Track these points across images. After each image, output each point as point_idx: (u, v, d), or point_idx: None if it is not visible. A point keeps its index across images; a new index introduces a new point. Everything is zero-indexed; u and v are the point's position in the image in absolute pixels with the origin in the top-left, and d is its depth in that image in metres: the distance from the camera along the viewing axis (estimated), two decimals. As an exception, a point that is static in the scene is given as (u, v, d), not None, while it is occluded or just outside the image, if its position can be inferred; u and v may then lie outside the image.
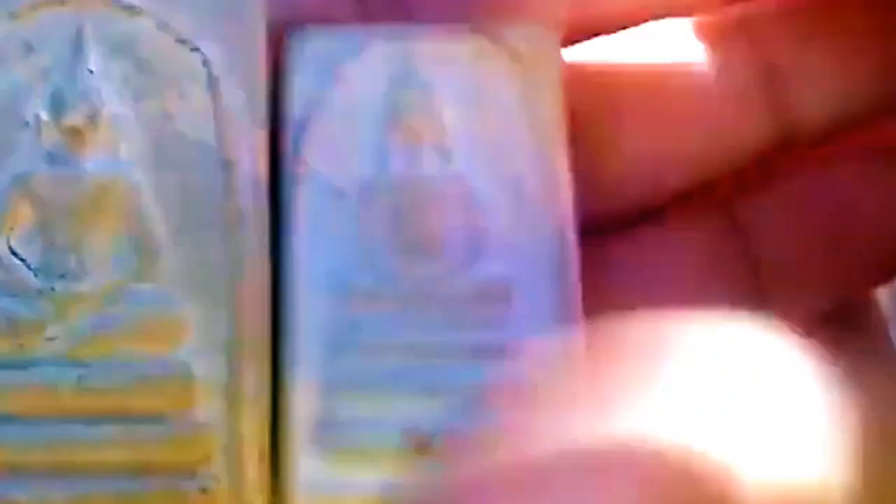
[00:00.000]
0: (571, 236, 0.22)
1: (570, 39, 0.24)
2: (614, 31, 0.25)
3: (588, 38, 0.24)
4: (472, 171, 0.22)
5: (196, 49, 0.21)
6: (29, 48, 0.21)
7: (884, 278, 0.26)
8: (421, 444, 0.21)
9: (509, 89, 0.22)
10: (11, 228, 0.21)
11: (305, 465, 0.21)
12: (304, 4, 0.23)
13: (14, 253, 0.21)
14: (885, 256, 0.25)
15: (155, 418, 0.20)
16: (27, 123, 0.21)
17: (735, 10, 0.25)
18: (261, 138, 0.21)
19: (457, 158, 0.22)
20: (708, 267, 0.24)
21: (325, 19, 0.23)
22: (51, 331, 0.20)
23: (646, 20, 0.25)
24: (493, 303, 0.21)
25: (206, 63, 0.21)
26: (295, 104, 0.22)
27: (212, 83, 0.21)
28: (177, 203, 0.21)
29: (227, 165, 0.21)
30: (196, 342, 0.21)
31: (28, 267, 0.21)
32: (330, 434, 0.21)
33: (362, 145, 0.22)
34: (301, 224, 0.21)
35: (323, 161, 0.22)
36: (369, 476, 0.21)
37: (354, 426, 0.21)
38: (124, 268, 0.21)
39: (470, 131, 0.22)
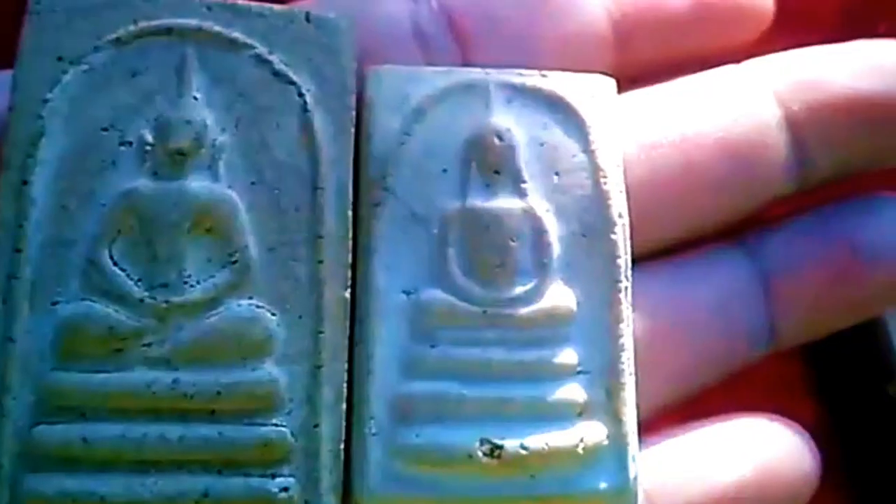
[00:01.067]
0: (624, 267, 0.24)
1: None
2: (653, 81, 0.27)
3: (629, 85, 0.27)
4: (541, 206, 0.24)
5: (292, 82, 0.23)
6: (134, 72, 0.23)
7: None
8: (493, 451, 0.22)
9: (573, 135, 0.24)
10: (114, 241, 0.22)
11: (376, 463, 0.22)
12: (372, 45, 0.25)
13: (116, 264, 0.22)
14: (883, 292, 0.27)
15: (240, 422, 0.22)
16: (130, 143, 0.23)
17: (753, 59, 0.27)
18: (347, 168, 0.23)
19: (530, 194, 0.24)
20: (729, 295, 0.26)
21: (390, 60, 0.25)
22: (148, 338, 0.22)
23: (682, 70, 0.27)
24: (558, 325, 0.23)
25: (300, 95, 0.23)
26: (379, 135, 0.24)
27: (305, 114, 0.23)
28: (269, 223, 0.23)
29: (315, 189, 0.23)
30: (281, 353, 0.22)
31: (129, 277, 0.22)
32: (403, 435, 0.22)
33: (443, 175, 0.24)
34: (381, 244, 0.23)
35: (404, 188, 0.23)
36: (439, 477, 0.22)
37: (428, 429, 0.22)
38: (219, 281, 0.22)
39: (540, 170, 0.24)
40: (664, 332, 0.26)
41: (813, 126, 0.26)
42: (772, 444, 0.26)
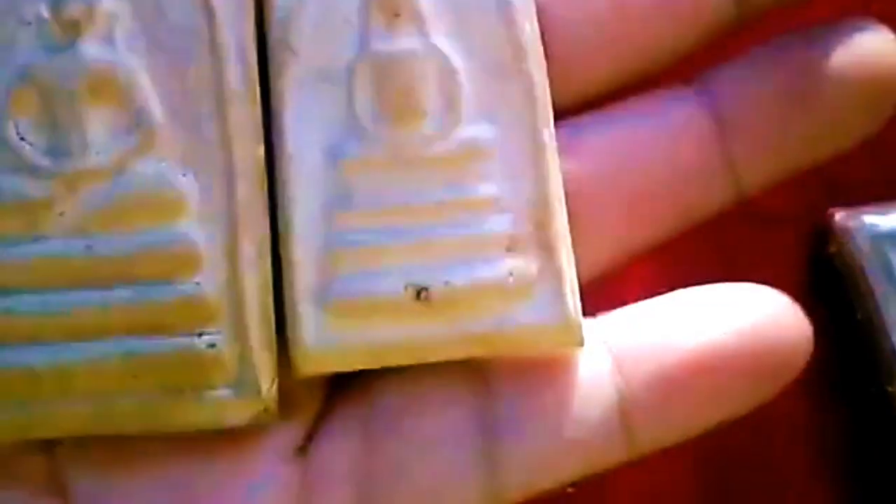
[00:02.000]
0: (543, 99, 0.23)
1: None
2: None
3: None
4: (447, 44, 0.23)
5: (182, -60, 0.23)
6: (28, -48, 0.23)
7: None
8: (420, 293, 0.22)
9: None
10: (17, 116, 0.22)
11: (308, 321, 0.22)
12: None
13: (22, 138, 0.22)
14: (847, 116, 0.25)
15: (161, 283, 0.22)
16: (29, 23, 0.23)
17: None
18: (248, 24, 0.23)
19: (433, 33, 0.23)
20: (678, 133, 0.25)
21: None
22: (59, 207, 0.22)
23: None
24: (475, 161, 0.23)
25: (191, -43, 0.23)
26: None
27: (199, -26, 0.23)
28: (171, 85, 0.23)
29: (215, 48, 0.23)
30: (196, 212, 0.22)
31: (35, 150, 0.22)
32: (330, 290, 0.22)
33: (344, 27, 0.23)
34: (290, 106, 0.23)
35: (308, 45, 0.23)
36: (371, 327, 0.22)
37: (354, 280, 0.22)
38: (125, 146, 0.22)
39: (444, 8, 0.23)
40: (605, 180, 0.25)
41: None
42: (756, 308, 0.24)
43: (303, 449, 0.23)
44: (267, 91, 0.23)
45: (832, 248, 0.31)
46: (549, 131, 0.23)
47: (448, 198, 0.23)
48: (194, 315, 0.22)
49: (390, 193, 0.23)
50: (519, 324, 0.22)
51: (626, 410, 0.23)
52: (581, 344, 0.22)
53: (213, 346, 0.22)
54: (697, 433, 0.24)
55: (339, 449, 0.23)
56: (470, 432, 0.23)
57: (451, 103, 0.23)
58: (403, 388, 0.23)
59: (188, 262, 0.22)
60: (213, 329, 0.22)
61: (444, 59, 0.23)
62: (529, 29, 0.24)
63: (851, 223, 0.31)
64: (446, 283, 0.22)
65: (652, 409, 0.23)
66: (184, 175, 0.22)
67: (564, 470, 0.23)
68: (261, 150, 0.23)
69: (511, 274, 0.22)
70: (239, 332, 0.22)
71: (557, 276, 0.22)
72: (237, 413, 0.22)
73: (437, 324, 0.22)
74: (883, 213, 0.31)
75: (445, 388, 0.23)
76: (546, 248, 0.23)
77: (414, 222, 0.22)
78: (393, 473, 0.23)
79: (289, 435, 0.23)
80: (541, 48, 0.24)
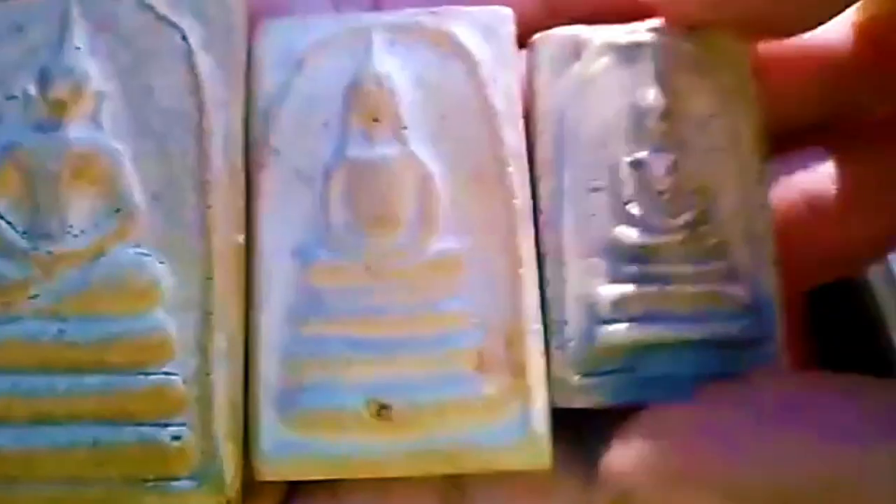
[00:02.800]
0: (524, 211, 0.23)
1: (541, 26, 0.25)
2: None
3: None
4: (425, 152, 0.23)
5: (175, 26, 0.23)
6: (19, 28, 0.23)
7: None
8: (381, 410, 0.22)
9: (462, 75, 0.23)
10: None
11: (269, 427, 0.22)
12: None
13: (1, 217, 0.22)
14: None
15: (130, 372, 0.22)
16: (16, 98, 0.22)
17: None
18: (236, 112, 0.23)
19: (412, 139, 0.23)
20: None
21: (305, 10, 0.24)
22: (34, 289, 0.22)
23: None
24: (448, 274, 0.22)
25: (184, 38, 0.23)
26: (262, 91, 0.23)
27: (190, 57, 0.23)
28: (155, 169, 0.22)
29: (202, 135, 0.22)
30: (171, 301, 0.22)
31: (14, 230, 0.22)
32: (293, 399, 0.22)
33: (323, 130, 0.23)
34: (266, 204, 0.23)
35: (287, 145, 0.23)
36: (330, 439, 0.22)
37: (316, 392, 0.22)
38: (104, 230, 0.22)
39: (425, 116, 0.23)
40: None
41: None
42: None
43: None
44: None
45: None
46: (527, 245, 0.23)
47: (417, 312, 0.22)
48: (161, 405, 0.22)
49: (359, 303, 0.22)
50: (483, 443, 0.22)
51: None
52: (548, 464, 0.22)
53: (177, 437, 0.21)
54: None
55: None
56: None
57: (426, 213, 0.22)
58: (371, 488, 0.23)
59: (159, 351, 0.22)
60: (179, 420, 0.22)
61: (422, 166, 0.23)
62: (514, 138, 0.23)
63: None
64: (409, 401, 0.22)
65: None
66: (161, 262, 0.22)
67: None
68: (241, 238, 0.22)
69: (477, 393, 0.22)
70: (205, 424, 0.22)
71: (526, 395, 0.22)
72: (199, 504, 0.22)
73: (398, 440, 0.22)
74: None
75: (416, 494, 0.23)
76: (516, 367, 0.22)
77: (381, 335, 0.22)
78: None
79: None
80: (524, 157, 0.23)
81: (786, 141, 0.25)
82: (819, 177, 0.25)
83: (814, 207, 0.24)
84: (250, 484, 0.22)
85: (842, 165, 0.25)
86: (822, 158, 0.25)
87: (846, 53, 0.25)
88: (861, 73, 0.25)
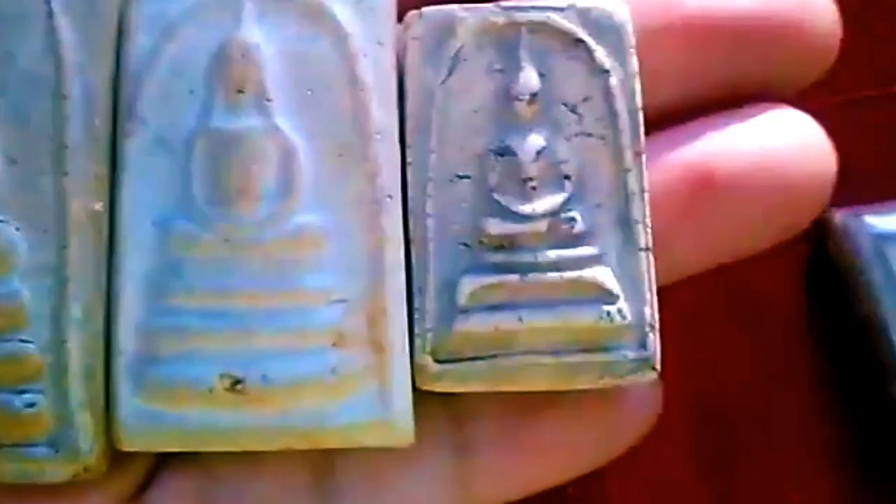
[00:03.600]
0: (388, 188, 0.22)
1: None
2: None
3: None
4: (290, 125, 0.22)
5: (35, -12, 0.22)
6: None
7: None
8: (235, 384, 0.22)
9: (330, 47, 0.23)
10: None
11: (124, 397, 0.22)
12: None
13: None
14: None
15: (-16, 338, 0.22)
16: None
17: None
18: (99, 76, 0.22)
19: (277, 111, 0.22)
20: None
21: None
22: None
23: None
24: (308, 249, 0.22)
25: (47, 2, 0.22)
26: (130, 57, 0.23)
27: (50, 20, 0.22)
28: (11, 133, 0.22)
29: (59, 98, 0.22)
30: (25, 268, 0.22)
31: None
32: (149, 369, 0.22)
33: (188, 98, 0.22)
34: (129, 172, 0.22)
35: (152, 112, 0.22)
36: (185, 412, 0.22)
37: (171, 363, 0.22)
38: (-42, 194, 0.22)
39: (291, 88, 0.22)
40: None
41: None
42: (784, 132, 0.24)
43: (134, 500, 0.24)
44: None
45: (832, 248, 0.31)
46: (392, 224, 0.22)
47: (276, 286, 0.22)
48: (16, 372, 0.22)
49: (217, 276, 0.22)
50: (339, 421, 0.22)
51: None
52: (409, 441, 0.22)
53: (31, 405, 0.21)
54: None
55: (174, 502, 0.24)
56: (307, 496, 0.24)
57: (288, 186, 0.22)
58: (243, 460, 0.23)
59: (14, 318, 0.22)
60: (34, 387, 0.22)
61: (286, 139, 0.22)
62: (383, 114, 0.22)
63: (851, 223, 0.31)
64: (263, 376, 0.21)
65: None
66: (17, 229, 0.22)
67: None
68: (100, 206, 0.22)
69: (333, 370, 0.22)
70: (60, 392, 0.22)
71: (386, 373, 0.22)
72: (55, 470, 0.22)
73: (252, 415, 0.22)
74: (883, 213, 0.31)
75: (284, 459, 0.23)
76: (376, 345, 0.22)
77: (238, 308, 0.22)
78: None
79: (119, 486, 0.23)
80: (395, 135, 0.23)
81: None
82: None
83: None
84: (119, 453, 0.22)
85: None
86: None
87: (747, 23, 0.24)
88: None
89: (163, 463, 0.24)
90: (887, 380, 0.30)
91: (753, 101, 0.24)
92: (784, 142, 0.24)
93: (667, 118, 0.24)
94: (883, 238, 0.30)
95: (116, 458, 0.23)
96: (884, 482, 0.30)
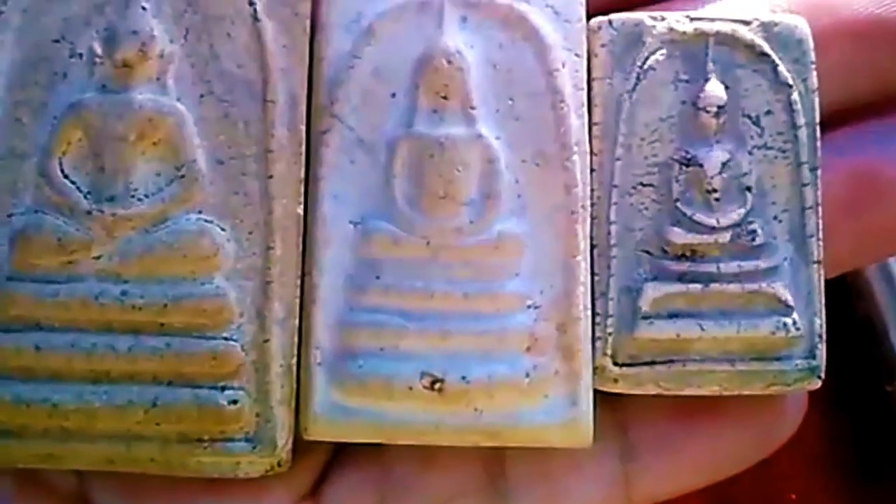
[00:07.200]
0: (584, 199, 0.23)
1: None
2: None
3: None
4: (491, 133, 0.23)
5: (242, -9, 0.23)
6: (85, -17, 0.23)
7: None
8: (434, 384, 0.22)
9: (532, 57, 0.23)
10: (64, 153, 0.22)
11: (320, 390, 0.22)
12: None
13: (66, 176, 0.22)
14: None
15: (190, 335, 0.22)
16: (80, 55, 0.22)
17: None
18: (301, 79, 0.23)
19: (480, 119, 0.23)
20: None
21: None
22: (97, 249, 0.22)
23: None
24: (506, 255, 0.23)
25: (251, 4, 0.23)
26: (328, 58, 0.23)
27: (256, 23, 0.23)
28: (218, 136, 0.22)
29: (266, 102, 0.22)
30: (230, 268, 0.22)
31: (79, 189, 0.22)
32: (345, 364, 0.22)
33: (391, 102, 0.23)
34: (327, 172, 0.23)
35: (352, 114, 0.23)
36: (382, 406, 0.22)
37: (369, 359, 0.22)
38: (168, 195, 0.22)
39: (493, 94, 0.23)
40: None
41: None
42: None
43: (313, 494, 0.24)
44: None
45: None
46: (584, 233, 0.23)
47: (474, 290, 0.22)
48: (219, 370, 0.22)
49: (417, 277, 0.22)
50: (529, 422, 0.22)
51: None
52: (589, 442, 0.23)
53: (234, 402, 0.22)
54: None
55: (350, 496, 0.24)
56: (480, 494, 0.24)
57: (489, 194, 0.23)
58: (417, 455, 0.24)
59: (218, 317, 0.22)
60: (236, 384, 0.22)
61: (488, 148, 0.23)
62: (579, 125, 0.23)
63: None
64: (462, 377, 0.22)
65: None
66: (223, 229, 0.22)
67: None
68: (300, 208, 0.23)
69: (528, 374, 0.22)
70: (261, 390, 0.22)
71: (574, 379, 0.22)
72: (251, 465, 0.22)
73: (447, 413, 0.22)
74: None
75: (458, 457, 0.24)
76: (566, 350, 0.22)
77: (437, 310, 0.22)
78: None
79: (299, 481, 0.24)
80: (587, 145, 0.23)
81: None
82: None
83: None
84: (298, 442, 0.23)
85: None
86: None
87: None
88: None
89: (335, 459, 0.24)
90: (886, 379, 0.30)
91: None
92: None
93: (834, 118, 0.24)
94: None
95: (295, 451, 0.23)
96: (882, 482, 0.31)
